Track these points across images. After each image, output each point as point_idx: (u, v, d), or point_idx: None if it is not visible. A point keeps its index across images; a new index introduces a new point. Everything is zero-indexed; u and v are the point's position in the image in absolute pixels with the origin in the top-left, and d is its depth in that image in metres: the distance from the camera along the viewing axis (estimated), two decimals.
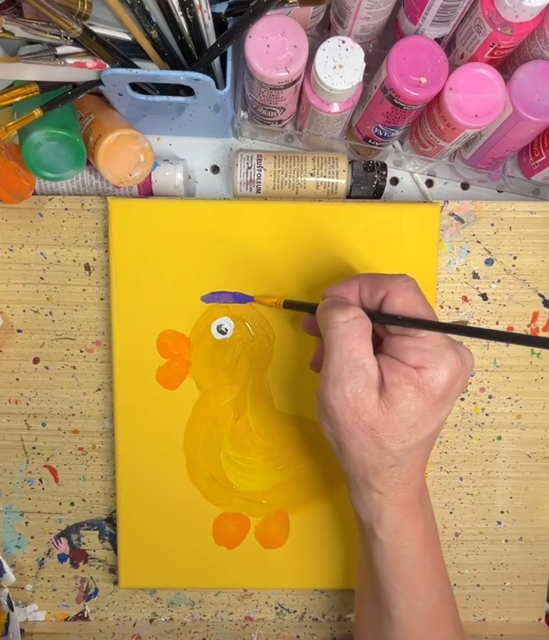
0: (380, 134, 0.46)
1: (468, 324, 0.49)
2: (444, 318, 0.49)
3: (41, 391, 0.49)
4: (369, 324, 0.35)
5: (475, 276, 0.49)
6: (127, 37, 0.40)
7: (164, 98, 0.43)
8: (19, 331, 0.49)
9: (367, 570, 0.40)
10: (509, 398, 0.50)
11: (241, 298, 0.47)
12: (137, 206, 0.46)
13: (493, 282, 0.49)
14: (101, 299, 0.49)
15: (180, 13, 0.38)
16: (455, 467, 0.50)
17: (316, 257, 0.46)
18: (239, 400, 0.48)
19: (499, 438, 0.50)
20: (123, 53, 0.40)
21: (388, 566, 0.38)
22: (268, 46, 0.39)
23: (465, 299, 0.49)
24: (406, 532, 0.38)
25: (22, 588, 0.51)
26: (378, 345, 0.36)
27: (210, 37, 0.41)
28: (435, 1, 0.38)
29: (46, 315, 0.49)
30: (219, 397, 0.48)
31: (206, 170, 0.51)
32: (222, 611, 0.51)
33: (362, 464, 0.36)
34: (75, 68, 0.39)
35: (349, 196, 0.48)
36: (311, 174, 0.47)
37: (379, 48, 0.45)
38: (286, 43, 0.39)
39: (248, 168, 0.47)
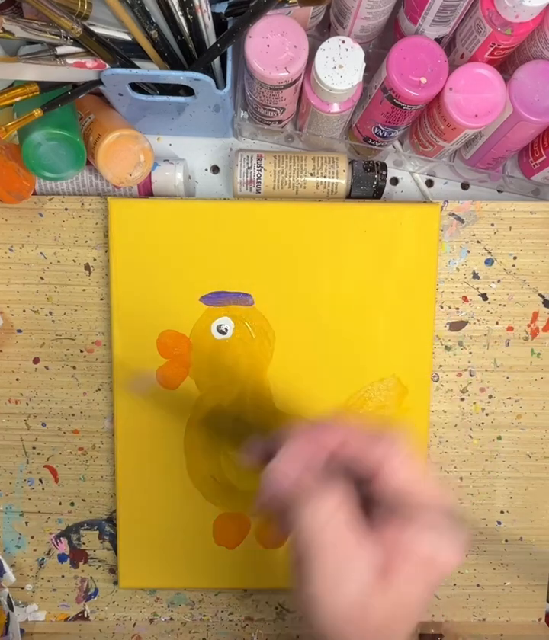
0: (380, 134, 0.46)
1: (468, 324, 0.49)
2: (444, 318, 0.49)
3: (41, 391, 0.49)
4: (352, 497, 0.29)
5: (475, 276, 0.49)
6: (127, 37, 0.40)
7: (164, 98, 0.43)
8: (19, 331, 0.49)
9: None
10: (509, 398, 0.50)
11: (242, 299, 0.47)
12: (137, 206, 0.46)
13: (493, 282, 0.49)
14: (101, 299, 0.49)
15: (180, 13, 0.38)
16: (455, 467, 0.50)
17: (316, 257, 0.46)
18: (239, 400, 0.48)
19: (499, 438, 0.50)
20: (123, 53, 0.40)
21: None
22: (268, 46, 0.39)
23: (465, 299, 0.49)
24: None
25: (22, 588, 0.51)
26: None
27: (210, 37, 0.41)
28: (435, 1, 0.38)
29: (46, 315, 0.49)
30: (219, 397, 0.48)
31: (206, 170, 0.51)
32: (222, 611, 0.51)
33: None
34: (75, 68, 0.39)
35: (349, 196, 0.48)
36: (311, 174, 0.47)
37: (379, 48, 0.45)
38: (286, 43, 0.39)
39: (248, 167, 0.47)
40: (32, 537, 0.50)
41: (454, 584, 0.51)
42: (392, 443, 0.30)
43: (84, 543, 0.50)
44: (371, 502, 0.30)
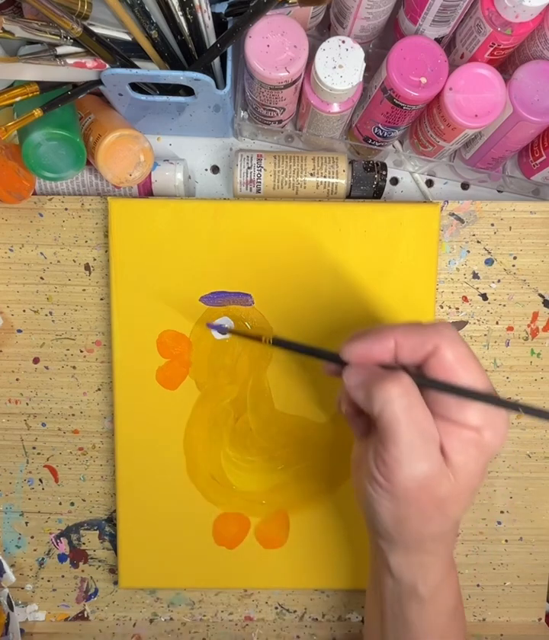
0: (380, 134, 0.46)
1: (468, 324, 0.49)
2: (444, 318, 0.49)
3: (41, 391, 0.49)
4: (417, 388, 0.32)
5: (475, 276, 0.49)
6: (127, 37, 0.40)
7: (164, 98, 0.43)
8: (19, 331, 0.49)
9: (393, 627, 0.38)
10: (509, 398, 0.50)
11: (242, 299, 0.47)
12: (137, 206, 0.46)
13: (493, 282, 0.49)
14: (101, 299, 0.49)
15: (180, 13, 0.38)
16: None
17: (316, 257, 0.46)
18: (238, 400, 0.48)
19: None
20: (123, 53, 0.40)
21: (426, 623, 0.37)
22: (268, 46, 0.39)
23: (465, 299, 0.49)
24: (447, 587, 0.37)
25: (22, 588, 0.51)
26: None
27: (210, 37, 0.41)
28: (435, 1, 0.38)
29: (46, 315, 0.49)
30: (219, 397, 0.48)
31: (206, 170, 0.51)
32: (222, 611, 0.51)
33: (421, 532, 0.34)
34: (75, 68, 0.39)
35: (349, 196, 0.48)
36: (311, 174, 0.47)
37: (379, 48, 0.45)
38: (286, 43, 0.39)
39: (248, 167, 0.47)
40: (32, 537, 0.51)
41: None
42: (436, 332, 0.33)
43: (84, 543, 0.50)
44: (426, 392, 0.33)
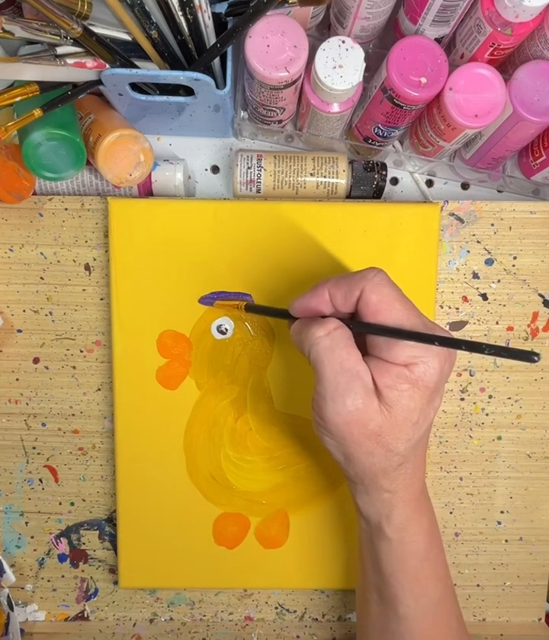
0: (380, 134, 0.46)
1: (468, 324, 0.49)
2: (444, 317, 0.49)
3: (41, 391, 0.49)
4: (349, 331, 0.35)
5: (475, 276, 0.49)
6: (127, 37, 0.40)
7: (164, 98, 0.43)
8: (19, 331, 0.49)
9: (371, 570, 0.40)
10: (509, 398, 0.50)
11: (242, 299, 0.47)
12: (137, 206, 0.46)
13: (493, 282, 0.49)
14: (101, 299, 0.49)
15: (180, 13, 0.38)
16: (455, 467, 0.50)
17: (316, 257, 0.46)
18: (238, 400, 0.48)
19: (499, 438, 0.50)
20: (123, 53, 0.40)
21: (396, 563, 0.38)
22: (268, 46, 0.39)
23: (465, 299, 0.49)
24: (413, 527, 0.38)
25: (22, 588, 0.51)
26: (360, 345, 0.36)
27: (210, 37, 0.41)
28: (435, 1, 0.38)
29: (46, 315, 0.49)
30: (219, 397, 0.48)
31: (206, 170, 0.51)
32: (222, 611, 0.51)
33: (371, 468, 0.36)
34: (75, 68, 0.39)
35: (349, 196, 0.48)
36: (311, 174, 0.47)
37: (379, 48, 0.45)
38: (286, 43, 0.39)
39: (248, 168, 0.47)
40: (32, 537, 0.51)
41: (455, 584, 0.51)
42: (362, 278, 0.35)
43: (84, 543, 0.50)
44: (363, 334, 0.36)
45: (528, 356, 0.28)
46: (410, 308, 0.35)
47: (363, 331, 0.35)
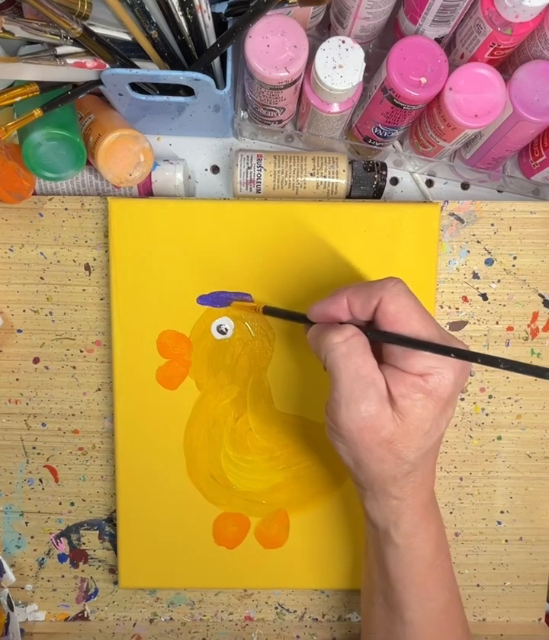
0: (380, 134, 0.46)
1: (468, 324, 0.49)
2: (444, 318, 0.49)
3: (41, 391, 0.49)
4: (366, 339, 0.35)
5: (475, 276, 0.49)
6: (127, 37, 0.40)
7: (164, 98, 0.43)
8: (19, 331, 0.49)
9: (378, 574, 0.40)
10: (509, 398, 0.50)
11: (242, 299, 0.47)
12: (137, 206, 0.46)
13: (493, 282, 0.49)
14: (101, 299, 0.49)
15: (180, 13, 0.38)
16: (455, 467, 0.50)
17: (316, 257, 0.46)
18: (238, 400, 0.48)
19: (499, 438, 0.50)
20: (123, 53, 0.40)
21: (402, 569, 0.38)
22: (268, 46, 0.39)
23: (465, 299, 0.49)
24: (421, 534, 0.38)
25: (22, 588, 0.51)
26: (376, 353, 0.36)
27: (210, 37, 0.41)
28: (435, 1, 0.38)
29: (46, 315, 0.49)
30: (219, 397, 0.48)
31: (206, 170, 0.51)
32: (222, 611, 0.51)
33: (381, 475, 0.36)
34: (75, 68, 0.39)
35: (349, 196, 0.48)
36: (311, 174, 0.47)
37: (379, 48, 0.45)
38: (286, 43, 0.39)
39: (248, 168, 0.47)
40: (32, 537, 0.51)
41: None
42: (381, 287, 0.35)
43: (84, 543, 0.50)
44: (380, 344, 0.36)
45: (543, 373, 0.28)
46: (428, 319, 0.35)
47: (380, 340, 0.35)
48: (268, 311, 0.44)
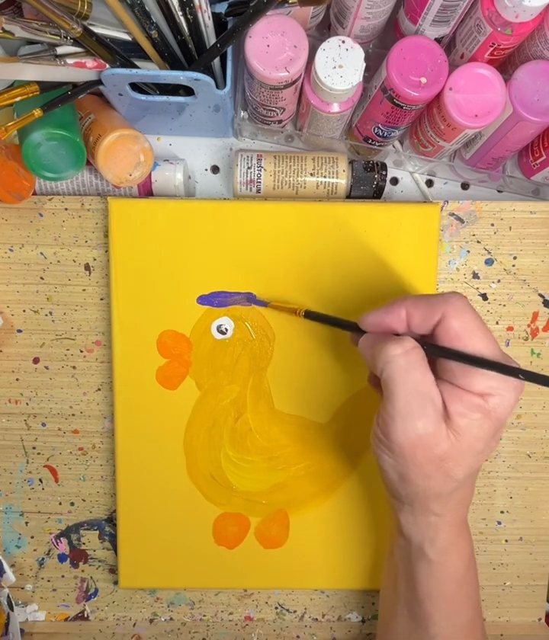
0: (380, 134, 0.46)
1: None
2: None
3: (41, 391, 0.49)
4: (424, 352, 0.34)
5: (475, 276, 0.49)
6: (127, 37, 0.40)
7: (164, 98, 0.43)
8: (19, 331, 0.49)
9: (405, 587, 0.40)
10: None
11: (242, 298, 0.47)
12: (137, 206, 0.46)
13: (493, 282, 0.49)
14: (101, 299, 0.49)
15: (180, 13, 0.38)
16: None
17: (316, 257, 0.46)
18: (238, 400, 0.48)
19: (499, 438, 0.50)
20: (123, 53, 0.40)
21: (434, 584, 0.38)
22: (268, 46, 0.39)
23: None
24: (455, 551, 0.38)
25: (22, 588, 0.51)
26: (432, 366, 0.35)
27: (210, 37, 0.41)
28: (435, 1, 0.38)
29: (46, 315, 0.49)
30: (219, 397, 0.48)
31: (206, 170, 0.51)
32: (222, 611, 0.51)
33: (425, 492, 0.36)
34: (75, 68, 0.39)
35: (349, 196, 0.48)
36: (311, 174, 0.47)
37: (379, 48, 0.45)
38: (286, 43, 0.39)
39: (248, 168, 0.47)
40: (32, 537, 0.51)
41: None
42: (444, 301, 0.34)
43: (84, 543, 0.50)
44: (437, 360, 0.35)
45: None
46: (490, 338, 0.34)
47: (441, 356, 0.34)
48: (311, 316, 0.43)
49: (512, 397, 0.34)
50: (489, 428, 0.34)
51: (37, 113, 0.39)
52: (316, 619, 0.51)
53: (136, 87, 0.43)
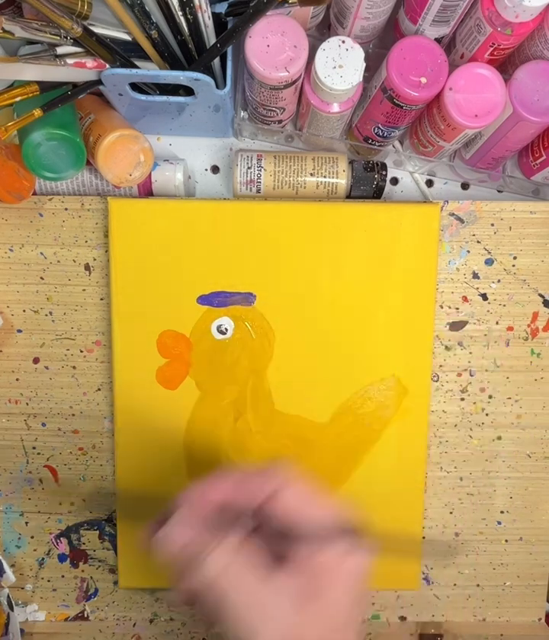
0: (380, 134, 0.46)
1: (468, 324, 0.49)
2: (444, 318, 0.49)
3: (41, 391, 0.49)
4: (253, 540, 0.31)
5: (475, 276, 0.49)
6: (127, 37, 0.40)
7: (164, 98, 0.43)
8: (19, 331, 0.49)
9: None
10: (509, 398, 0.50)
11: (242, 298, 0.47)
12: (137, 206, 0.46)
13: (493, 282, 0.49)
14: (101, 299, 0.49)
15: (180, 13, 0.38)
16: (455, 467, 0.50)
17: (316, 257, 0.46)
18: (239, 400, 0.48)
19: (499, 438, 0.50)
20: (123, 53, 0.40)
21: None
22: (268, 46, 0.39)
23: (465, 299, 0.49)
24: None
25: (22, 588, 0.51)
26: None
27: (210, 37, 0.41)
28: (435, 1, 0.38)
29: (46, 315, 0.49)
30: (219, 397, 0.48)
31: (206, 170, 0.51)
32: None
33: None
34: (75, 68, 0.39)
35: (349, 196, 0.48)
36: (311, 174, 0.47)
37: (379, 48, 0.45)
38: (286, 43, 0.39)
39: (248, 168, 0.47)
40: (32, 537, 0.50)
41: (454, 584, 0.51)
42: (274, 476, 0.32)
43: (84, 543, 0.50)
44: (279, 537, 0.31)
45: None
46: (324, 505, 0.32)
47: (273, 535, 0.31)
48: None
49: (363, 559, 0.31)
50: (355, 595, 0.31)
51: (37, 113, 0.39)
52: None
53: (136, 87, 0.43)
